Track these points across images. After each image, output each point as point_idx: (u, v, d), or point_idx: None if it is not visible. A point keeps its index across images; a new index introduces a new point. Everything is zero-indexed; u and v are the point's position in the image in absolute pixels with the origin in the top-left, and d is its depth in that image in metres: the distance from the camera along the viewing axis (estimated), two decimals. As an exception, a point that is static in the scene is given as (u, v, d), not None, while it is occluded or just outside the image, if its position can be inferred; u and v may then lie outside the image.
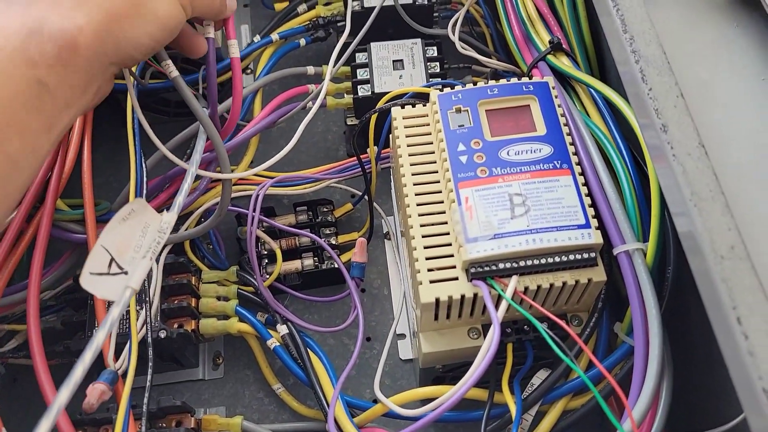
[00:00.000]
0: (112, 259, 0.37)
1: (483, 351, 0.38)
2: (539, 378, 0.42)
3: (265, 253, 0.57)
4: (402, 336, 0.58)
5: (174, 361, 0.55)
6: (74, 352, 0.50)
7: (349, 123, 0.64)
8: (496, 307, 0.40)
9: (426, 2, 0.63)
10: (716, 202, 0.32)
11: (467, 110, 0.45)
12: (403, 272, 0.56)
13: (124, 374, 0.43)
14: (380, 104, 0.53)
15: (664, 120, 0.35)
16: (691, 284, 0.42)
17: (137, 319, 0.46)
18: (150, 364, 0.44)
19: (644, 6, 0.38)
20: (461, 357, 0.46)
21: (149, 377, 0.43)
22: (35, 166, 0.32)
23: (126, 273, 0.37)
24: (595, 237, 0.40)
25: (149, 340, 0.45)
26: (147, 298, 0.48)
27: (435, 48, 0.61)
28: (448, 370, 0.48)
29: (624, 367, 0.41)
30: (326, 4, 0.67)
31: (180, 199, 0.42)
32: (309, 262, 0.57)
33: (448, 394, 0.39)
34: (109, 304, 0.51)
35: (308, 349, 0.51)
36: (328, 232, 0.60)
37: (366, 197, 0.59)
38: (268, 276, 0.56)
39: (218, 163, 0.46)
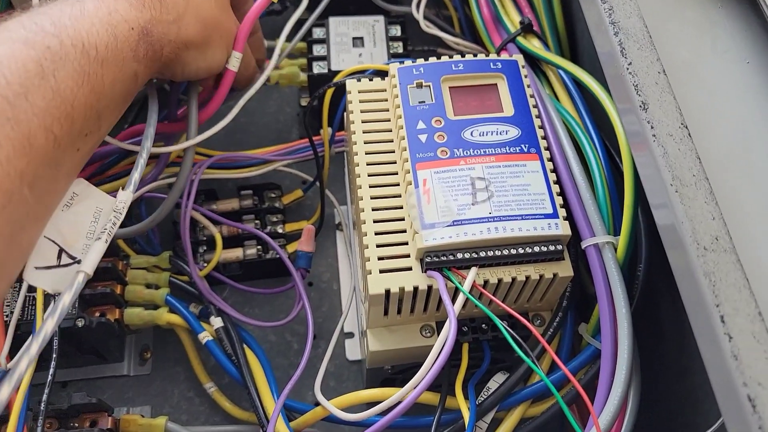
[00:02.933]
0: (62, 250, 0.34)
1: (436, 348, 0.34)
2: (496, 382, 0.39)
3: (204, 239, 0.52)
4: (350, 335, 0.53)
5: (95, 354, 0.49)
6: None
7: (303, 104, 0.59)
8: (453, 301, 0.36)
9: (391, -21, 0.59)
10: (700, 189, 0.29)
11: (429, 86, 0.41)
12: (354, 266, 0.52)
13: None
14: (337, 79, 0.48)
15: (644, 97, 0.31)
16: (664, 284, 0.38)
17: (48, 307, 0.41)
18: (54, 355, 0.38)
19: (625, -23, 0.35)
20: (412, 357, 0.41)
21: (51, 371, 0.38)
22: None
23: (79, 262, 0.34)
24: (562, 228, 0.37)
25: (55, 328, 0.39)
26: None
27: (399, 27, 0.57)
28: (399, 372, 0.44)
29: (588, 372, 0.37)
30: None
31: (136, 176, 0.39)
32: (252, 251, 0.52)
33: (395, 397, 0.34)
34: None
35: (245, 345, 0.46)
36: (274, 219, 0.55)
37: (318, 183, 0.54)
38: (205, 264, 0.51)
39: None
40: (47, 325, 0.31)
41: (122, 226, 0.50)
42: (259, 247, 0.53)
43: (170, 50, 0.39)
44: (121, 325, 0.47)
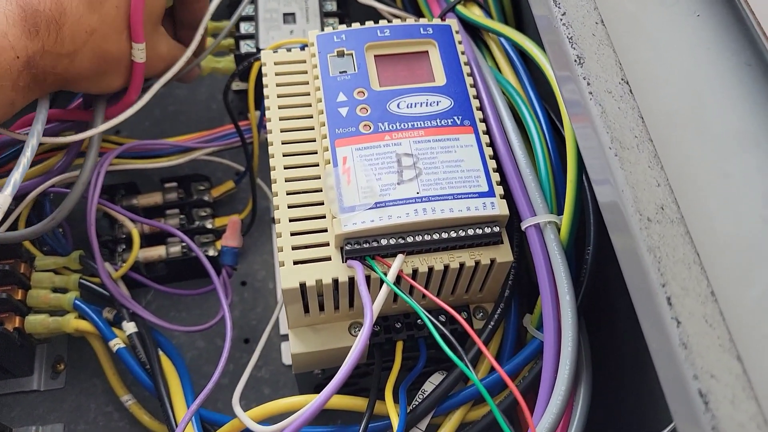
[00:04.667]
0: None
1: (353, 348, 0.30)
2: (432, 383, 0.34)
3: (123, 236, 0.48)
4: (286, 337, 0.49)
5: (-3, 368, 0.44)
6: None
7: (234, 87, 0.55)
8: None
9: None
10: (643, 151, 0.25)
11: (351, 54, 0.37)
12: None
13: None
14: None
15: (579, 51, 0.27)
16: (616, 269, 0.34)
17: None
18: None
19: None
20: (342, 359, 0.37)
21: None
22: None
23: None
24: (499, 207, 0.32)
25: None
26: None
27: (335, 2, 0.53)
28: (331, 376, 0.40)
29: (533, 369, 0.33)
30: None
31: (16, 176, 0.35)
32: (176, 248, 0.48)
33: (310, 405, 0.30)
34: None
35: (161, 352, 0.41)
36: (203, 214, 0.50)
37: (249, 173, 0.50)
38: (123, 264, 0.46)
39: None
40: None
41: (27, 225, 0.45)
42: (183, 244, 0.48)
43: (54, 80, 0.36)
44: (24, 335, 0.42)
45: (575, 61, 0.27)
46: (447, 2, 0.46)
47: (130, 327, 0.42)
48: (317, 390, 0.42)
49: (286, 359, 0.48)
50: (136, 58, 0.40)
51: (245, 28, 0.51)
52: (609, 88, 0.26)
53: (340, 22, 0.52)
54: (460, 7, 0.44)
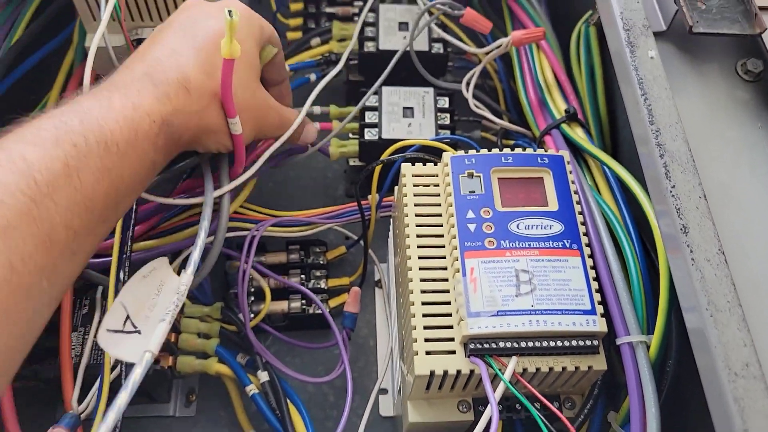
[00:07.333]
0: (128, 317, 0.37)
1: (476, 434, 0.37)
2: (527, 463, 0.41)
3: (252, 290, 0.56)
4: (384, 391, 0.56)
5: (146, 396, 0.52)
6: (44, 380, 0.47)
7: (351, 163, 0.63)
8: (493, 387, 0.39)
9: (442, 51, 0.62)
10: (733, 315, 0.31)
11: (479, 176, 0.44)
12: (391, 325, 0.55)
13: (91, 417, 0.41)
14: (386, 155, 0.51)
15: (685, 221, 0.34)
16: (691, 381, 0.41)
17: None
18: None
19: (672, 99, 0.38)
20: (447, 430, 0.44)
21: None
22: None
23: (139, 332, 0.37)
24: (599, 325, 0.39)
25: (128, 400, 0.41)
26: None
27: (447, 99, 0.60)
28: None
29: (615, 462, 0.40)
30: (341, 41, 0.65)
31: (196, 256, 0.41)
32: (296, 304, 0.56)
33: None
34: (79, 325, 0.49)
35: (287, 399, 0.49)
36: (318, 274, 0.58)
37: (361, 242, 0.57)
38: (253, 315, 0.54)
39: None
40: (121, 398, 0.32)
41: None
42: (303, 300, 0.56)
43: (190, 136, 0.40)
44: (174, 372, 0.50)
45: (681, 229, 0.34)
46: (552, 118, 0.53)
47: (263, 376, 0.49)
48: (416, 447, 0.49)
49: (383, 411, 0.55)
50: (233, 131, 0.43)
51: (369, 116, 0.59)
52: (708, 257, 0.33)
53: (451, 118, 0.60)
54: (564, 126, 0.51)
